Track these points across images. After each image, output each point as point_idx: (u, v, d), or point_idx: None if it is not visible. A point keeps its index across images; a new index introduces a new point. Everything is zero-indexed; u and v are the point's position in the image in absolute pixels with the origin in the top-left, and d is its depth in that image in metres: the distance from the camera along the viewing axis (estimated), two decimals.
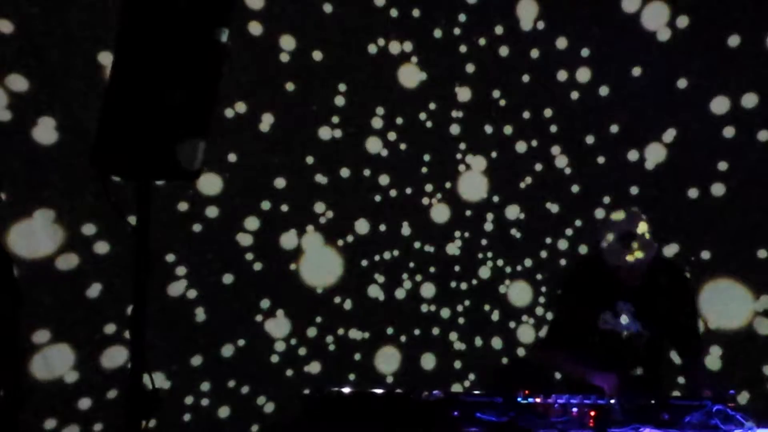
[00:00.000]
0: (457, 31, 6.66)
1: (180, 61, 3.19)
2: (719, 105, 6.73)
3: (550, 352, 4.60)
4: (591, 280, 4.58)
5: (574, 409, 3.54)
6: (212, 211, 6.24)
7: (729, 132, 6.72)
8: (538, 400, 3.58)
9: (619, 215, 4.50)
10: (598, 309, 4.51)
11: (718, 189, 6.75)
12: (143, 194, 3.29)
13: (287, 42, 6.37)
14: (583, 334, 4.49)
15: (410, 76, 6.61)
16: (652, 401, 3.72)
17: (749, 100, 6.73)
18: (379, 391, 3.79)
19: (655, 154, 6.78)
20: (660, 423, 3.67)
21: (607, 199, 6.74)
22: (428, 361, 6.58)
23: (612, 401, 3.65)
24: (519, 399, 3.60)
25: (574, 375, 4.32)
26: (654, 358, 4.59)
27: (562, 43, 6.75)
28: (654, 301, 4.53)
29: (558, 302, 4.80)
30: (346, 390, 3.79)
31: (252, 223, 6.33)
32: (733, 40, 6.71)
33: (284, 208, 6.39)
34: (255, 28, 6.28)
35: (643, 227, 4.42)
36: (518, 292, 6.72)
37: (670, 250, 6.65)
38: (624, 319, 4.49)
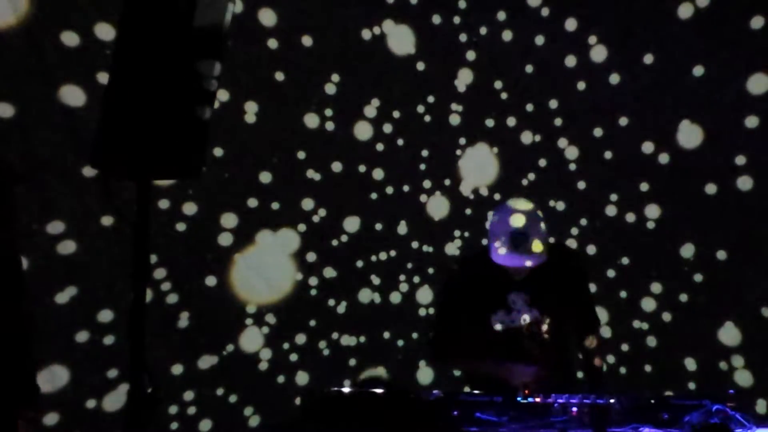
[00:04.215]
0: (456, 19, 6.93)
1: (180, 61, 3.61)
2: (739, 93, 6.98)
3: (452, 359, 4.88)
4: (475, 281, 4.83)
5: (574, 409, 3.92)
6: (194, 209, 6.45)
7: (751, 122, 6.98)
8: (537, 400, 3.95)
9: (511, 210, 4.69)
10: (488, 309, 4.78)
11: (735, 184, 6.99)
12: (143, 194, 3.71)
13: (275, 27, 6.60)
14: (475, 338, 4.76)
15: (406, 60, 6.86)
16: (652, 401, 4.07)
17: None
18: (378, 391, 4.09)
19: (668, 148, 7.01)
20: (659, 423, 3.99)
21: (615, 197, 7.00)
22: (426, 368, 6.76)
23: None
24: (519, 399, 3.95)
25: (489, 372, 4.63)
26: (561, 346, 4.85)
27: (570, 24, 6.98)
28: (547, 284, 4.80)
29: (440, 310, 4.97)
30: (346, 390, 4.10)
31: (238, 221, 6.55)
32: (756, 22, 6.98)
33: (274, 206, 6.64)
34: (237, 7, 6.37)
35: (537, 227, 4.67)
36: None
37: (686, 251, 6.96)
38: (519, 312, 4.78)
